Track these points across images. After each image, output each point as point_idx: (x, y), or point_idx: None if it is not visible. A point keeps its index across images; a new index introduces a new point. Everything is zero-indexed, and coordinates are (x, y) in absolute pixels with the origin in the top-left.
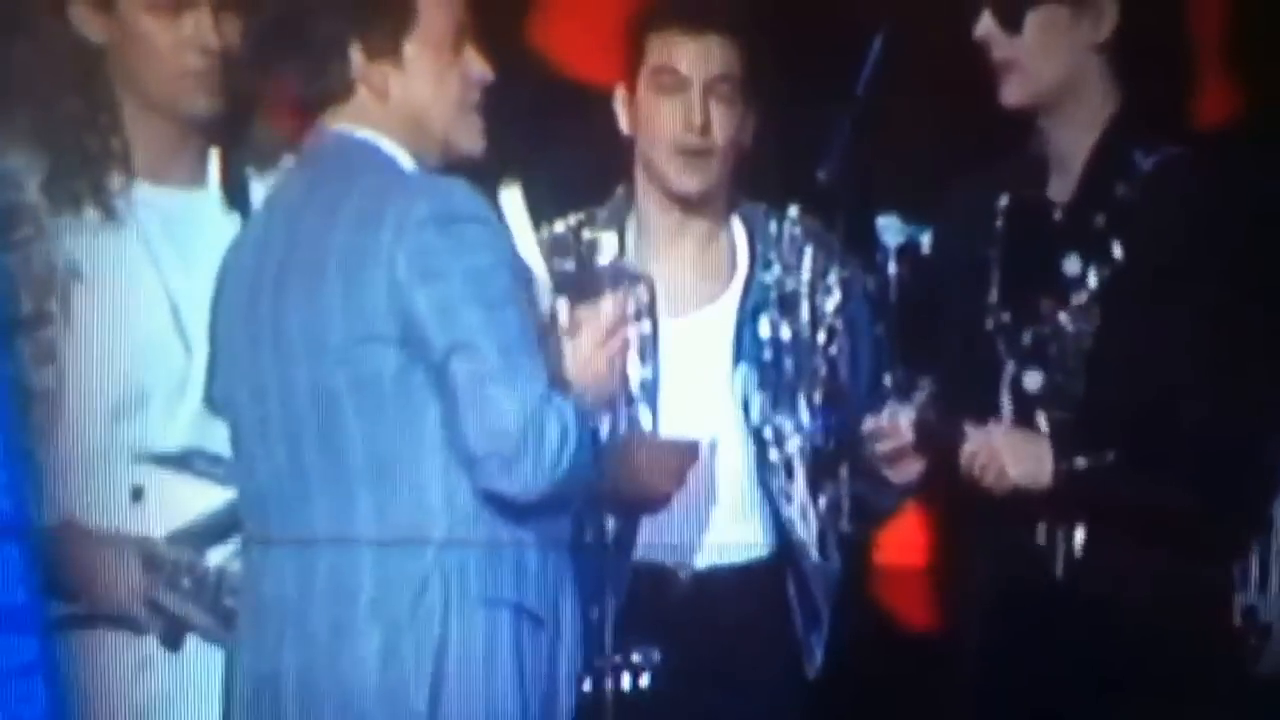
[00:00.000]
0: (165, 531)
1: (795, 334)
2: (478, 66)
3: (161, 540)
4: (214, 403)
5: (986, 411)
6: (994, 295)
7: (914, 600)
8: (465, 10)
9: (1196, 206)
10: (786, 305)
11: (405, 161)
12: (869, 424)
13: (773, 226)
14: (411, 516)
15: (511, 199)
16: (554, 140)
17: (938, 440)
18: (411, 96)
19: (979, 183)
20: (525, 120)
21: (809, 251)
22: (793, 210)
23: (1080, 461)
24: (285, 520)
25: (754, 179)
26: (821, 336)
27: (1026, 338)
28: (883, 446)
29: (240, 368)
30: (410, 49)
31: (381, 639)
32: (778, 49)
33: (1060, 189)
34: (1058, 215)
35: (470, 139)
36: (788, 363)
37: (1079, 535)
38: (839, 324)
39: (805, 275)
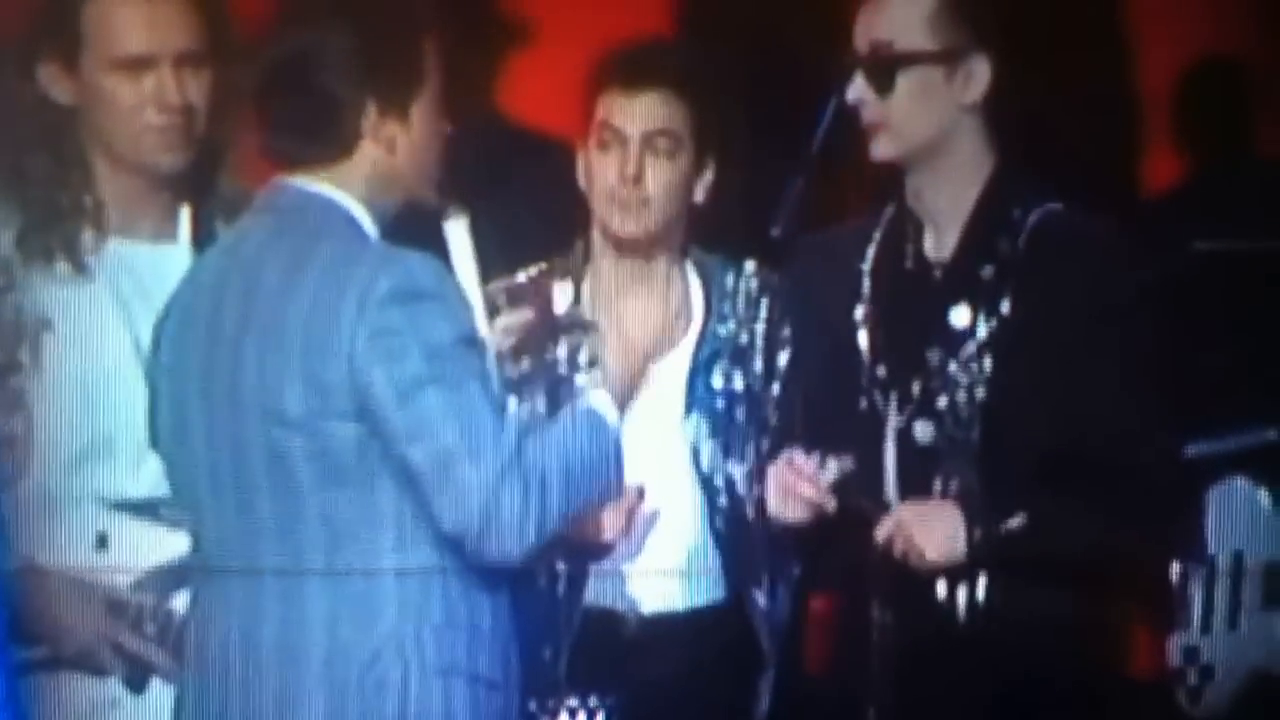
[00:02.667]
0: (130, 577)
1: (748, 385)
2: (444, 120)
3: (126, 585)
4: (157, 442)
5: (870, 467)
6: (866, 351)
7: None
8: (446, 71)
9: (1078, 258)
10: (740, 356)
11: (364, 219)
12: (794, 455)
13: (729, 279)
14: (364, 585)
15: (456, 229)
16: (519, 193)
17: (852, 516)
18: (413, 152)
19: (841, 241)
20: (491, 173)
21: (765, 303)
22: (749, 264)
23: (993, 528)
24: (234, 575)
25: (711, 234)
26: (775, 388)
27: (915, 390)
28: (803, 488)
29: (192, 415)
30: (418, 106)
31: (326, 705)
32: (733, 108)
33: (936, 244)
34: (938, 270)
35: (432, 189)
36: (739, 412)
37: (982, 580)
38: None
39: (760, 327)
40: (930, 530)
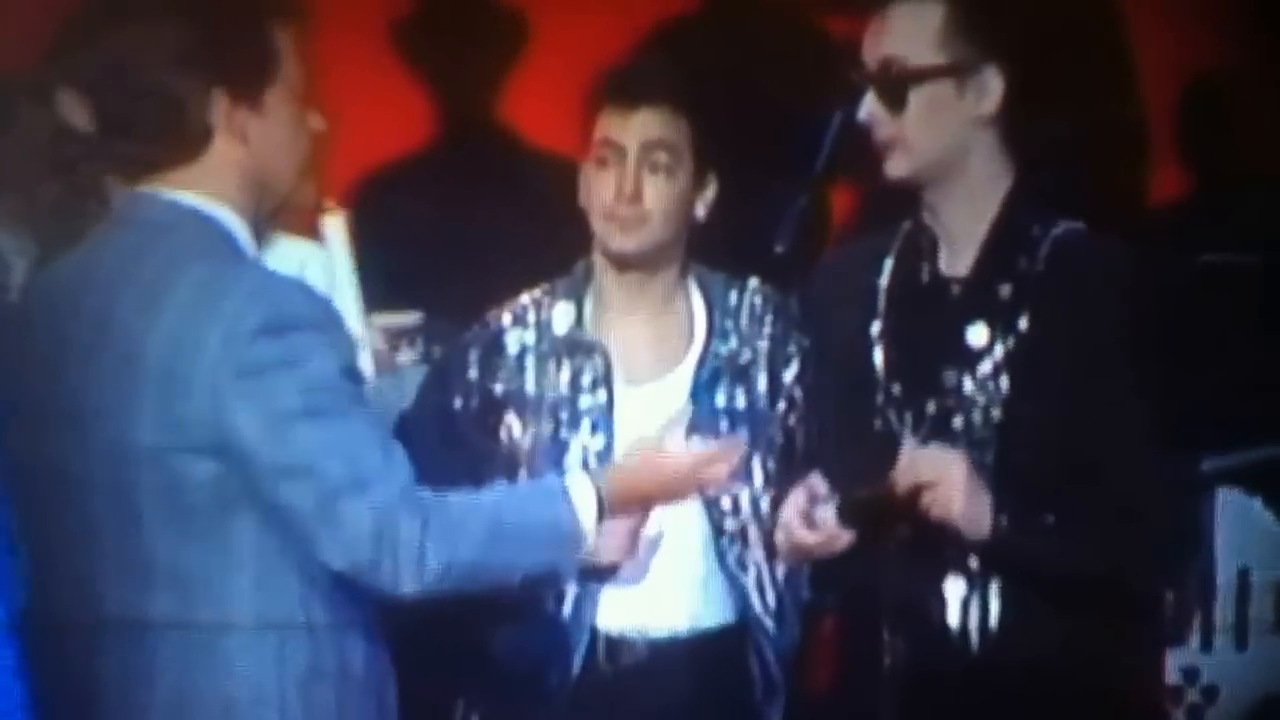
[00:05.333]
0: None
1: (751, 404)
2: (317, 120)
3: None
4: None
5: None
6: (881, 369)
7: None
8: (312, 63)
9: (1099, 277)
10: (744, 375)
11: (237, 229)
12: (796, 536)
13: (733, 297)
14: (215, 635)
15: (334, 226)
16: (523, 213)
17: (865, 510)
18: (269, 144)
19: (858, 257)
20: (497, 192)
21: (769, 320)
22: (753, 280)
23: (1020, 520)
24: (75, 620)
25: (714, 250)
26: (781, 406)
27: (930, 409)
28: (821, 550)
29: (31, 441)
30: (271, 95)
31: None
32: (734, 123)
33: (952, 261)
34: (955, 287)
35: (309, 190)
36: (744, 432)
37: (994, 606)
38: (798, 394)
39: (764, 345)
40: (967, 494)
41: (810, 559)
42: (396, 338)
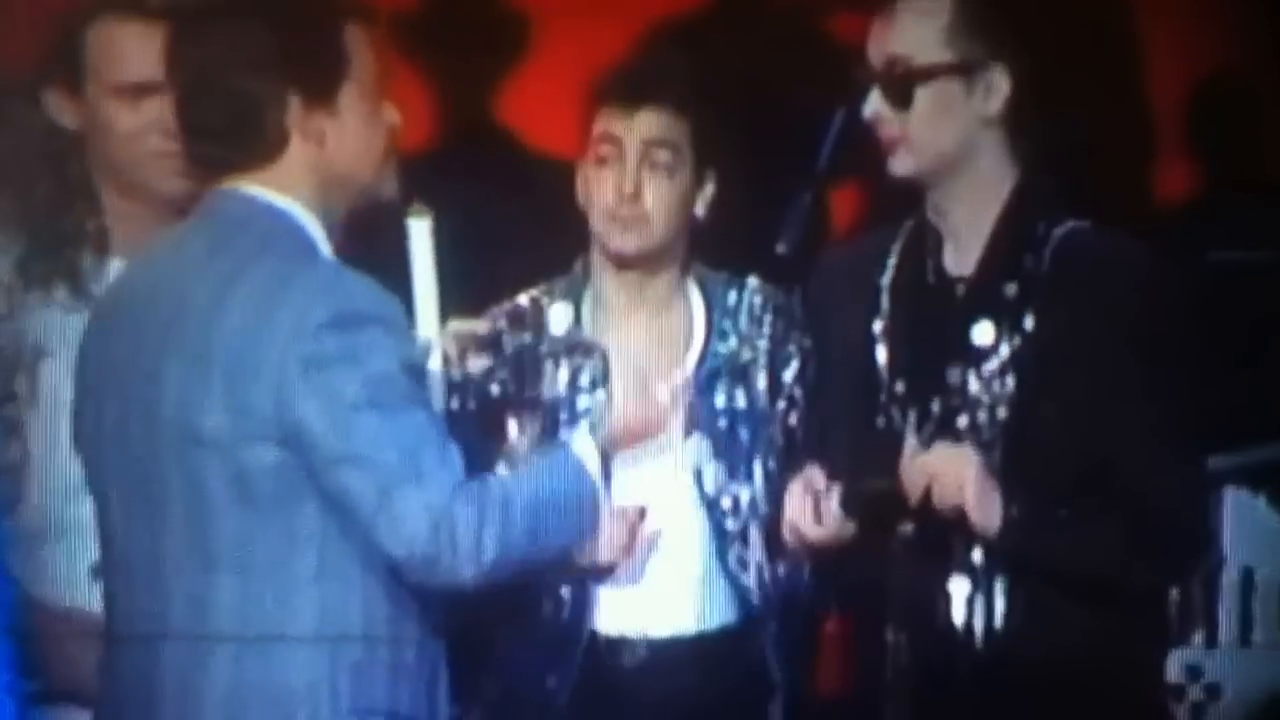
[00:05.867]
0: None
1: (751, 403)
2: (392, 113)
3: None
4: (79, 448)
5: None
6: (884, 367)
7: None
8: (386, 58)
9: (1106, 276)
10: (743, 375)
11: (312, 226)
12: (803, 530)
13: (732, 296)
14: (275, 614)
15: (419, 228)
16: (519, 212)
17: (871, 501)
18: (344, 143)
19: (860, 254)
20: (497, 192)
21: (769, 320)
22: (753, 280)
23: (1029, 513)
24: (140, 609)
25: (714, 250)
26: (781, 405)
27: (934, 408)
28: (822, 543)
29: (110, 432)
30: (344, 96)
31: None
32: (735, 121)
33: (957, 260)
34: (961, 285)
35: (391, 184)
36: (743, 432)
37: (999, 604)
38: (798, 393)
39: (764, 344)
40: (977, 485)
41: (816, 552)
42: (469, 344)
